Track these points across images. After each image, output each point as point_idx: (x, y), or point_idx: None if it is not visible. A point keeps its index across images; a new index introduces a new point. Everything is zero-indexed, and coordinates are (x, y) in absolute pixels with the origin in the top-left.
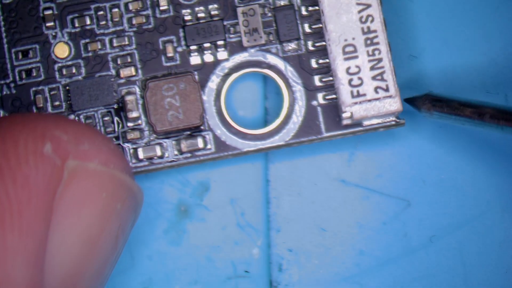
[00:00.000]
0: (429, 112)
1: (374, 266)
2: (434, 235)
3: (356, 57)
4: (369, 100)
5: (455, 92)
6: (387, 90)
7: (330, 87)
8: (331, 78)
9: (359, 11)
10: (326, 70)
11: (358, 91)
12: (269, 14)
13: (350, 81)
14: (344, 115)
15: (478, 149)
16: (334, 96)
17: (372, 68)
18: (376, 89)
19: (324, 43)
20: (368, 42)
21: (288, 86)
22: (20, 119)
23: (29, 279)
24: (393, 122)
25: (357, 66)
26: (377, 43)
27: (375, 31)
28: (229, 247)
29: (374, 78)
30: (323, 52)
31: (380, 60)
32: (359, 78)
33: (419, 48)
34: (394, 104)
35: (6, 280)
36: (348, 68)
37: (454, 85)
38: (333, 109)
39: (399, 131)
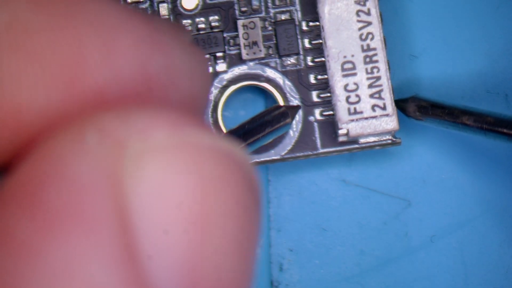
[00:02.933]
0: (415, 115)
1: (375, 266)
2: (434, 234)
3: (355, 74)
4: (366, 118)
5: (455, 92)
6: (384, 108)
7: (328, 103)
8: (328, 94)
9: (360, 28)
10: (324, 86)
11: (355, 108)
12: (270, 28)
13: (347, 98)
14: (340, 131)
15: (479, 149)
16: (331, 112)
17: (370, 86)
18: (373, 107)
19: (323, 59)
20: (367, 59)
21: (286, 100)
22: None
23: (121, 277)
24: (389, 141)
25: (355, 83)
26: (376, 61)
27: (374, 49)
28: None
29: (371, 96)
30: (322, 68)
31: (378, 78)
32: (357, 96)
33: (419, 48)
34: (391, 123)
35: (91, 282)
36: (346, 85)
37: (454, 85)
38: (330, 126)
39: (399, 131)
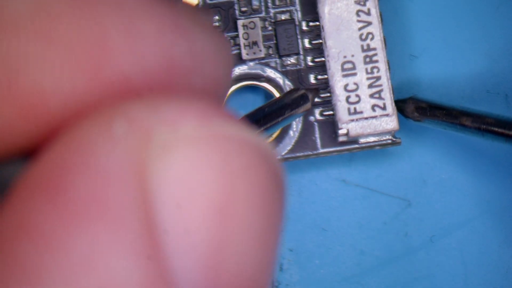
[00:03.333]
0: (413, 116)
1: (375, 266)
2: (434, 235)
3: (355, 74)
4: (366, 118)
5: (455, 92)
6: (384, 108)
7: (328, 103)
8: (328, 94)
9: (360, 28)
10: (324, 86)
11: (355, 108)
12: (270, 28)
13: (347, 98)
14: (340, 131)
15: (479, 150)
16: (331, 112)
17: (370, 86)
18: (373, 107)
19: (323, 59)
20: (367, 59)
21: None
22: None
23: (144, 271)
24: (389, 141)
25: (355, 83)
26: (376, 61)
27: (374, 49)
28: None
29: (372, 96)
30: (322, 68)
31: (378, 78)
32: (357, 96)
33: (419, 48)
34: (391, 123)
35: (114, 275)
36: (346, 85)
37: (454, 85)
38: (330, 126)
39: (399, 131)
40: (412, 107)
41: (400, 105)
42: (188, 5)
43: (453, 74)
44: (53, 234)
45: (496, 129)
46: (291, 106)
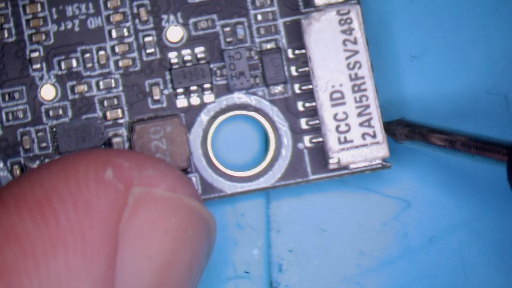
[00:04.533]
0: (402, 139)
1: (374, 267)
2: (434, 235)
3: (344, 103)
4: (356, 147)
5: (455, 91)
6: (374, 136)
7: (317, 130)
8: (317, 122)
9: (347, 58)
10: (313, 113)
11: (345, 137)
12: (256, 57)
13: (337, 127)
14: (331, 161)
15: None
16: (320, 139)
17: (359, 115)
18: (363, 136)
19: (310, 86)
20: (356, 88)
21: (275, 128)
22: (82, 152)
23: None
24: (380, 165)
25: (345, 113)
26: (365, 90)
27: (362, 77)
28: (229, 247)
29: (361, 124)
30: (309, 95)
31: (367, 106)
32: (347, 125)
33: (419, 48)
34: (381, 150)
35: None
36: (336, 115)
37: (454, 85)
38: (320, 152)
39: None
40: (400, 130)
41: (388, 128)
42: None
43: (452, 75)
44: (32, 249)
45: (485, 150)
46: None
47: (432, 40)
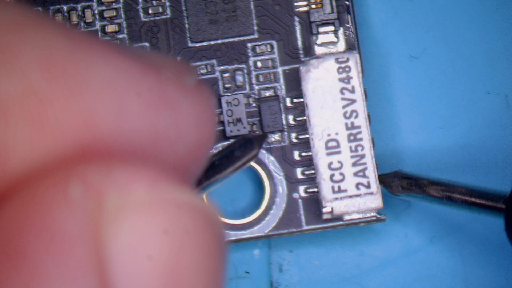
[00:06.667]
0: (398, 191)
1: (375, 267)
2: (434, 235)
3: (339, 152)
4: (350, 196)
5: (455, 91)
6: (368, 187)
7: (312, 180)
8: (313, 172)
9: (344, 106)
10: (309, 163)
11: (339, 187)
12: (254, 105)
13: (331, 176)
14: (324, 210)
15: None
16: (315, 189)
17: (354, 164)
18: (357, 186)
19: (307, 136)
20: (352, 137)
21: (270, 177)
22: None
23: None
24: (374, 218)
25: (339, 162)
26: (361, 139)
27: (359, 126)
28: (229, 247)
29: (356, 174)
30: (306, 144)
31: (362, 156)
32: (341, 174)
33: (419, 48)
34: (375, 201)
35: None
36: (331, 163)
37: (454, 85)
38: (314, 203)
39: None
40: (397, 182)
41: (385, 181)
42: (173, 62)
43: (453, 75)
44: None
45: (482, 202)
46: (240, 157)
47: (432, 40)
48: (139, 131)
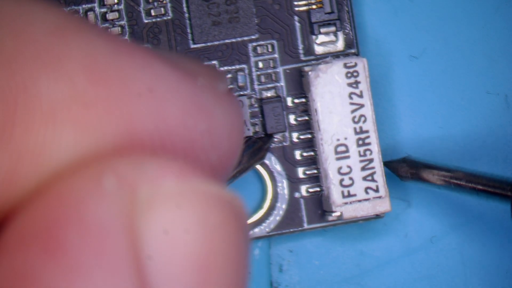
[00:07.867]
0: (407, 178)
1: (375, 267)
2: (434, 235)
3: (348, 157)
4: (359, 201)
5: (455, 91)
6: (377, 191)
7: (314, 180)
8: (315, 171)
9: (352, 111)
10: (310, 162)
11: (349, 191)
12: (256, 105)
13: (341, 181)
14: (334, 214)
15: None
16: (317, 189)
17: (363, 169)
18: (366, 190)
19: (309, 135)
20: (360, 142)
21: (272, 177)
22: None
23: None
24: (373, 216)
25: (349, 166)
26: (369, 144)
27: (367, 131)
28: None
29: (364, 178)
30: (307, 144)
31: (371, 160)
32: (350, 178)
33: (419, 49)
34: (383, 205)
35: None
36: (340, 168)
37: (455, 85)
38: (316, 202)
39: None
40: (406, 168)
41: (393, 166)
42: (208, 71)
43: (453, 75)
44: (52, 283)
45: (491, 189)
46: (246, 159)
47: (432, 40)
48: (175, 137)
